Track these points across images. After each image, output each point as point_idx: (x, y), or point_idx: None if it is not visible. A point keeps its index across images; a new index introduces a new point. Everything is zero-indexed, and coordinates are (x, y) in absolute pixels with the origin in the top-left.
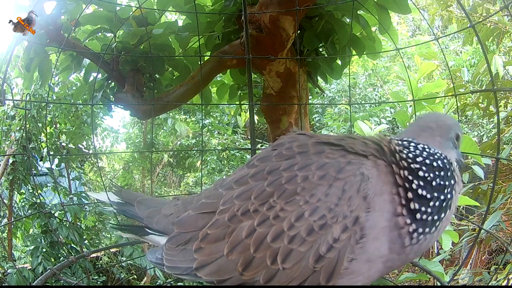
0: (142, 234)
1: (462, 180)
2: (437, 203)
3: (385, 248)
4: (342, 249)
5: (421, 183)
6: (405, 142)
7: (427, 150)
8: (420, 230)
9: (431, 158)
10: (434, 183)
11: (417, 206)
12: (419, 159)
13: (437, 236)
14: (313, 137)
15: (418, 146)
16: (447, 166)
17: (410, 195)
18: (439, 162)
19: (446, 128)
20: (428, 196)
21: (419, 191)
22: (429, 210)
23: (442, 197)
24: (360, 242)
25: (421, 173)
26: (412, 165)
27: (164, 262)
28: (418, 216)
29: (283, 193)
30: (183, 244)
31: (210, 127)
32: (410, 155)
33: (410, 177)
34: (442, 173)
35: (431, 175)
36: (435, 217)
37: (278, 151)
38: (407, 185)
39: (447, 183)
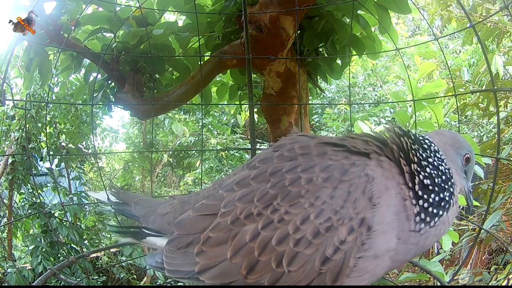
0: (140, 237)
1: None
2: (437, 198)
3: (394, 241)
4: (348, 250)
5: (427, 175)
6: (420, 138)
7: (438, 154)
8: (423, 215)
9: (438, 162)
10: (436, 180)
11: (420, 193)
12: (430, 159)
13: (434, 236)
14: (314, 138)
15: (431, 145)
16: (448, 176)
17: (417, 180)
18: (443, 167)
19: (458, 142)
20: (431, 187)
21: (425, 181)
22: (430, 200)
23: (441, 195)
24: (367, 238)
25: (428, 170)
26: (422, 162)
27: (165, 265)
28: (420, 202)
29: (287, 196)
30: (184, 247)
31: (210, 126)
32: (424, 154)
33: (418, 169)
34: (443, 177)
35: (435, 172)
36: (435, 211)
37: (280, 153)
38: (415, 172)
39: (446, 187)
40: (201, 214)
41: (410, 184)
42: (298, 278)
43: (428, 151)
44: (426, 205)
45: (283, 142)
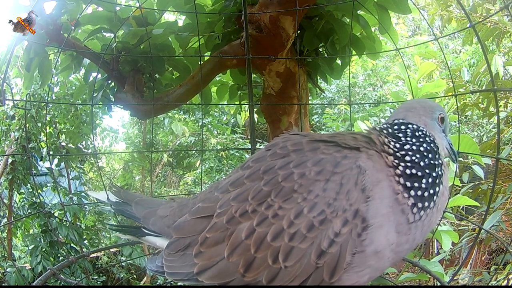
0: (139, 235)
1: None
2: (430, 179)
3: (392, 234)
4: (344, 243)
5: (409, 164)
6: (395, 127)
7: (417, 133)
8: (420, 204)
9: (418, 143)
10: (422, 163)
11: (408, 184)
12: (407, 146)
13: (437, 212)
14: (306, 136)
15: (408, 126)
16: (435, 149)
17: (398, 172)
18: (425, 145)
19: (429, 108)
20: (419, 173)
21: (407, 171)
22: (423, 185)
23: (434, 174)
24: (365, 233)
25: (407, 158)
26: (398, 153)
27: (165, 269)
28: (412, 193)
29: (281, 192)
30: (182, 249)
31: (210, 126)
32: (397, 144)
33: (396, 161)
34: (430, 155)
35: (418, 156)
36: (431, 191)
37: (273, 151)
38: (395, 165)
39: (436, 162)
40: (198, 217)
41: (397, 179)
42: (295, 273)
43: (403, 139)
44: (419, 192)
45: (276, 141)
